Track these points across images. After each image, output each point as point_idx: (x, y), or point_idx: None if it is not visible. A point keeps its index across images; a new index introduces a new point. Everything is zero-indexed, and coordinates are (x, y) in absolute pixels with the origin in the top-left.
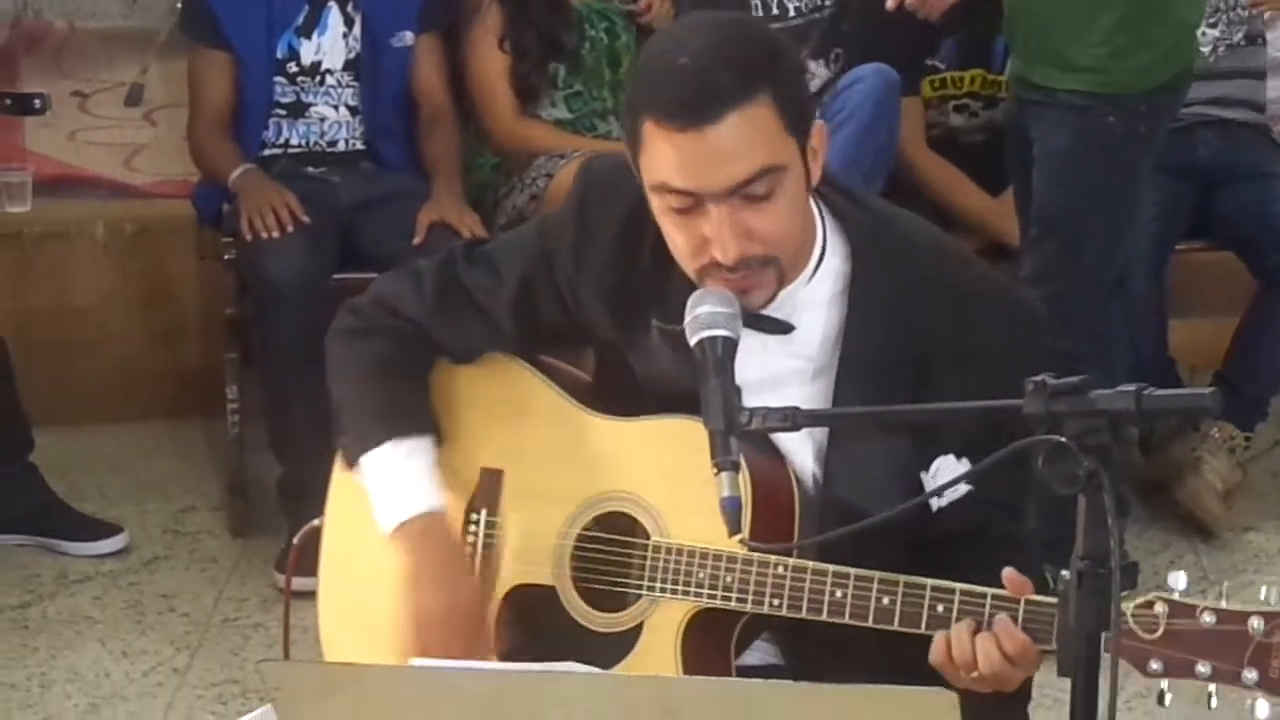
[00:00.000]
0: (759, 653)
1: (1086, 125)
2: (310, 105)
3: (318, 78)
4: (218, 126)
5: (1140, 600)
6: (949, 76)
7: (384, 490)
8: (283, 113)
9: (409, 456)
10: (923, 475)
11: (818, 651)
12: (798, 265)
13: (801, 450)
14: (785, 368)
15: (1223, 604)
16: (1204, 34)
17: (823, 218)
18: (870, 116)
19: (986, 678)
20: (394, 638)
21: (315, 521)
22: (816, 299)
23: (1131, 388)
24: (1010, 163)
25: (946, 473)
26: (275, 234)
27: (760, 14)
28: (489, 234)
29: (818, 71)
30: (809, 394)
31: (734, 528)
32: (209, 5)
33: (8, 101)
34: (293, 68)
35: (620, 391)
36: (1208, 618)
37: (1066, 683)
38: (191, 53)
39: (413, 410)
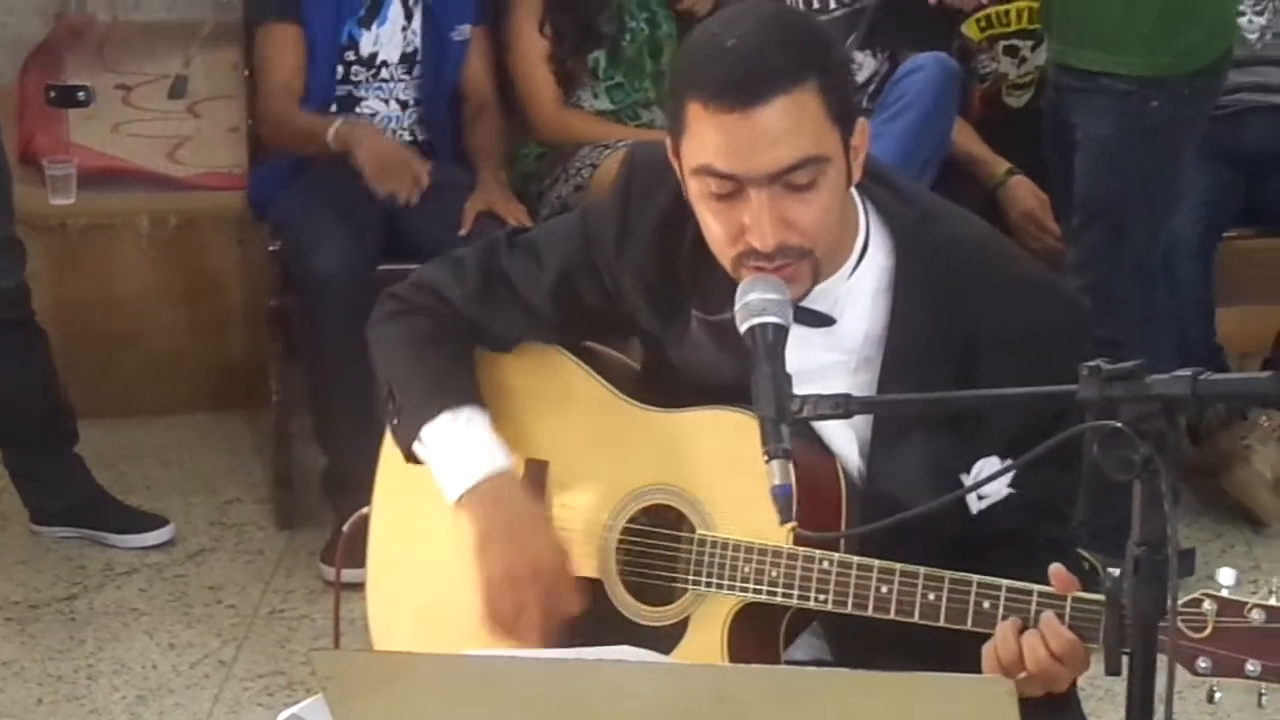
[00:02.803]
0: (807, 647)
1: (1130, 110)
2: (362, 99)
3: (373, 70)
4: (290, 98)
5: (1188, 598)
6: (994, 13)
7: (447, 460)
8: (333, 107)
9: (468, 424)
10: (963, 477)
11: (865, 645)
12: (833, 261)
13: (847, 444)
14: (825, 361)
15: (1272, 601)
16: (1250, 21)
17: (866, 211)
18: (929, 106)
19: (1035, 677)
20: (467, 615)
21: (364, 510)
22: (859, 292)
23: (1188, 372)
24: (1049, 150)
25: (988, 474)
26: (414, 200)
27: (801, 7)
28: (534, 224)
29: (865, 62)
30: (851, 386)
31: (785, 516)
32: None
33: (52, 94)
34: (350, 56)
35: (666, 382)
36: (1257, 615)
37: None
38: (260, 30)
39: (461, 382)
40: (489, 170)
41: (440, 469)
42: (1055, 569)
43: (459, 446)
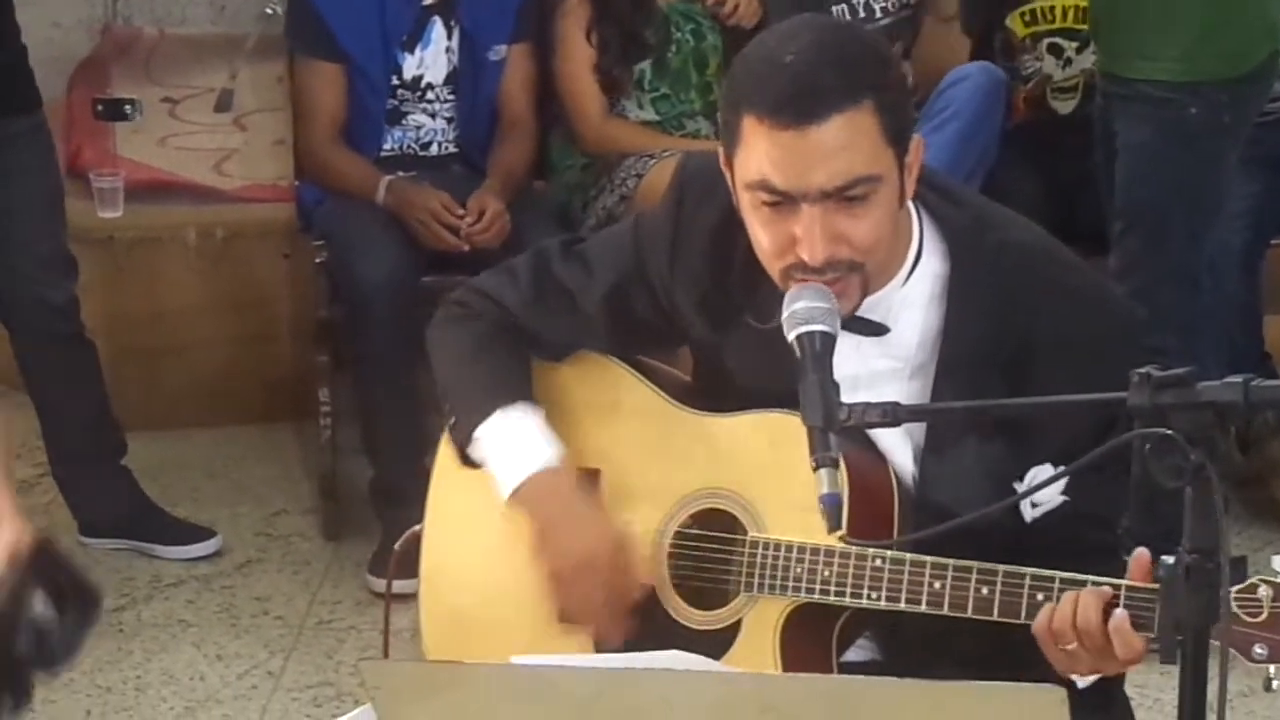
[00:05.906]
0: (859, 649)
1: (1168, 117)
2: (408, 114)
3: (418, 93)
4: (335, 138)
5: (1243, 584)
6: (1040, 7)
7: (499, 459)
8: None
9: (519, 420)
10: (1016, 485)
11: (918, 649)
12: (883, 275)
13: (901, 450)
14: (880, 368)
15: None
16: None
17: (920, 218)
18: (975, 115)
19: (1086, 645)
20: (519, 625)
21: (416, 528)
22: (913, 300)
23: (1239, 379)
24: (1097, 158)
25: (1041, 481)
26: (465, 248)
27: (847, 17)
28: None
29: (909, 71)
30: (905, 393)
31: (834, 524)
32: (323, 18)
33: (99, 107)
34: (394, 80)
35: (718, 390)
36: None
37: (1167, 683)
38: (300, 65)
39: (514, 382)
40: (496, 180)
41: (494, 468)
42: (1139, 554)
43: (510, 444)
